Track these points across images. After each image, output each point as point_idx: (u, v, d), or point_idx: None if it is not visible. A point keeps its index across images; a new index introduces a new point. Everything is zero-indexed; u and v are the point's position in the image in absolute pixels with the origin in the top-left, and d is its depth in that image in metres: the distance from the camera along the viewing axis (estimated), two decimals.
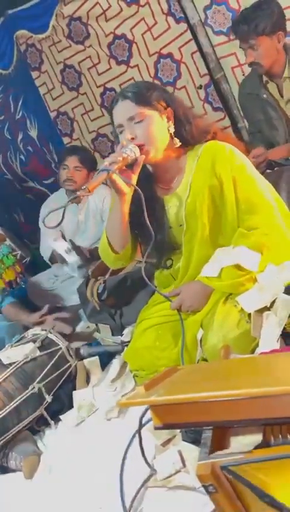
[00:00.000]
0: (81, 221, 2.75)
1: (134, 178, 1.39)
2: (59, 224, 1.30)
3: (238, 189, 1.45)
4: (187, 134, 1.47)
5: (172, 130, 1.45)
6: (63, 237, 2.75)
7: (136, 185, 1.39)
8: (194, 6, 2.60)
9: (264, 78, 2.26)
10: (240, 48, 2.21)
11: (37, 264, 3.23)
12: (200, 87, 2.80)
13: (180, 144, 1.47)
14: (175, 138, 1.46)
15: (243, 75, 2.56)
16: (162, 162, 1.48)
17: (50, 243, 2.72)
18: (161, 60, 2.87)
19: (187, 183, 1.50)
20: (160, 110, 1.43)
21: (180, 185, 1.52)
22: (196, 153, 1.49)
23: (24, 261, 3.22)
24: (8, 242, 3.20)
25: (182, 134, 1.47)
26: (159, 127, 1.43)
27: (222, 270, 1.44)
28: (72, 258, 2.56)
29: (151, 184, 1.55)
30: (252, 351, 1.36)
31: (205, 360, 1.42)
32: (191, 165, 1.49)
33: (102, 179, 1.31)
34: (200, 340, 1.43)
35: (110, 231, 1.55)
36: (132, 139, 1.40)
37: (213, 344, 1.37)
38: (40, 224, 2.81)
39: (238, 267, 1.41)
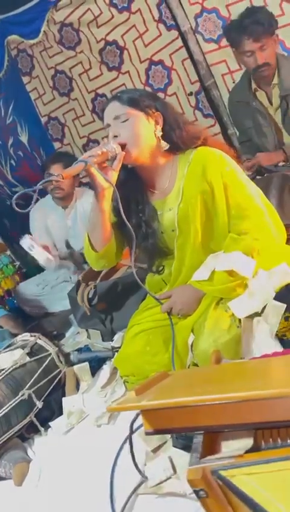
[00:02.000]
0: (69, 226, 2.74)
1: (114, 175, 1.38)
2: (28, 210, 1.29)
3: (229, 195, 1.46)
4: (177, 140, 1.47)
5: (159, 133, 1.46)
6: (54, 245, 2.73)
7: (125, 186, 1.39)
8: (185, 14, 2.62)
9: (253, 86, 2.28)
10: (247, 52, 2.14)
11: (30, 273, 3.22)
12: (191, 93, 2.82)
13: (168, 147, 1.47)
14: (163, 141, 1.46)
15: (233, 82, 2.59)
16: (150, 165, 1.49)
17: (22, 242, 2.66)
18: (152, 66, 2.88)
19: (179, 188, 1.50)
20: (147, 113, 1.44)
21: (172, 190, 1.52)
22: (187, 159, 1.50)
23: (23, 270, 3.22)
24: (8, 252, 3.20)
25: (172, 139, 1.47)
26: (143, 128, 1.43)
27: (214, 275, 1.44)
28: (41, 256, 2.50)
29: (142, 188, 1.55)
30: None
31: (195, 364, 1.42)
32: (183, 170, 1.50)
33: (78, 169, 1.30)
34: (191, 345, 1.43)
35: (90, 229, 1.53)
36: (115, 136, 1.41)
37: (204, 349, 1.37)
38: (31, 229, 2.79)
39: (230, 272, 1.42)
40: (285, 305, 1.37)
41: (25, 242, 2.40)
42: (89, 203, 2.68)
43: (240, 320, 1.39)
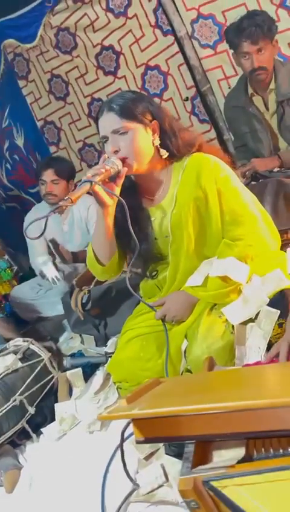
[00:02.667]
0: (65, 231, 2.73)
1: (117, 190, 1.38)
2: (41, 235, 1.29)
3: (223, 201, 1.46)
4: (173, 147, 1.47)
5: (157, 142, 1.45)
6: (49, 249, 2.73)
7: (120, 195, 1.38)
8: (181, 19, 2.63)
9: (250, 91, 2.28)
10: (246, 54, 2.13)
11: (23, 275, 3.21)
12: (187, 99, 2.82)
13: (167, 155, 1.47)
14: (162, 150, 1.46)
15: (229, 87, 2.59)
16: (146, 173, 1.48)
17: (33, 259, 2.68)
18: (148, 71, 2.89)
19: (173, 194, 1.50)
20: (145, 123, 1.42)
21: (166, 196, 1.52)
22: (181, 165, 1.49)
23: (19, 274, 3.21)
24: (6, 257, 3.19)
25: (167, 146, 1.46)
26: (143, 141, 1.42)
27: (208, 281, 1.44)
28: (50, 273, 2.54)
29: (136, 194, 1.55)
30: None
31: (189, 371, 1.41)
32: (177, 177, 1.50)
33: (85, 190, 1.30)
34: (185, 351, 1.42)
35: (95, 244, 1.54)
36: (115, 152, 1.40)
37: (197, 355, 1.36)
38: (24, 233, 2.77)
39: (223, 278, 1.41)
40: (279, 312, 1.36)
41: (50, 272, 2.49)
42: (85, 208, 2.69)
43: (233, 326, 1.39)
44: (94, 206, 2.52)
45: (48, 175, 2.60)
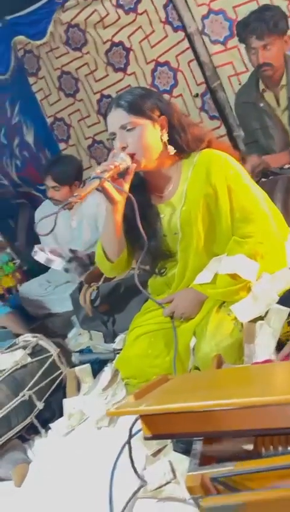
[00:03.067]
0: (74, 227, 2.72)
1: (126, 186, 1.38)
2: (51, 231, 1.29)
3: (233, 198, 1.45)
4: (182, 142, 1.46)
5: (165, 138, 1.44)
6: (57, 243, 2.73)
7: (129, 192, 1.38)
8: (192, 15, 2.62)
9: (261, 87, 2.27)
10: (252, 48, 2.13)
11: (32, 271, 3.22)
12: (197, 95, 2.81)
13: (175, 151, 1.46)
14: (170, 146, 1.45)
15: (239, 84, 2.57)
16: (155, 169, 1.48)
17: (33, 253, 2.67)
18: (158, 67, 2.88)
19: (182, 191, 1.49)
20: (153, 119, 1.41)
21: (175, 193, 1.51)
22: (191, 161, 1.49)
23: (24, 268, 3.22)
24: (8, 250, 3.20)
25: (176, 141, 1.46)
26: (151, 136, 1.41)
27: (217, 278, 1.43)
28: (56, 263, 2.52)
29: (145, 191, 1.54)
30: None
31: (197, 368, 1.41)
32: (187, 173, 1.49)
33: (94, 187, 1.30)
34: (193, 349, 1.42)
35: (104, 240, 1.54)
36: (123, 148, 1.40)
37: (206, 352, 1.36)
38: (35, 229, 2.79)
39: (233, 275, 1.41)
40: (289, 309, 1.36)
41: (40, 256, 2.41)
42: (95, 205, 2.68)
43: (242, 324, 1.38)
44: (103, 203, 2.52)
45: (48, 181, 2.56)
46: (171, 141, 1.45)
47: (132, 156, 1.39)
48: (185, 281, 1.55)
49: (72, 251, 2.53)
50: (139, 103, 1.40)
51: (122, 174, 1.37)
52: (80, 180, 2.65)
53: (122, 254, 1.54)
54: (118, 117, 1.41)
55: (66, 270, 2.55)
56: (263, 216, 1.46)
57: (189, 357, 1.45)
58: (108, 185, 1.34)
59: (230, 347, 1.35)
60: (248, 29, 2.08)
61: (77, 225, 2.72)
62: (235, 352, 1.35)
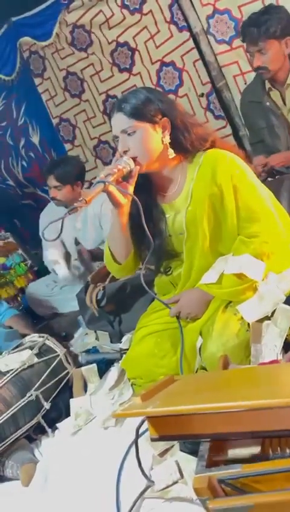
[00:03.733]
0: (79, 228, 2.74)
1: (130, 189, 1.40)
2: (58, 236, 1.31)
3: (238, 198, 1.45)
4: (186, 143, 1.46)
5: (167, 140, 1.44)
6: (64, 246, 2.74)
7: (134, 193, 1.39)
8: (197, 15, 2.61)
9: (267, 86, 2.26)
10: (247, 51, 2.18)
11: (39, 270, 3.24)
12: (202, 95, 2.81)
13: (174, 155, 1.46)
14: (170, 149, 1.45)
15: (245, 83, 2.57)
16: (158, 170, 1.49)
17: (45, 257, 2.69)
18: (163, 67, 2.88)
19: (188, 191, 1.49)
20: (154, 122, 1.42)
21: (181, 193, 1.52)
22: (197, 162, 1.49)
23: (34, 268, 3.24)
24: (20, 251, 3.23)
25: (180, 142, 1.46)
26: (152, 139, 1.42)
27: (223, 278, 1.43)
28: (62, 271, 2.55)
29: (150, 191, 1.55)
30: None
31: (203, 368, 1.41)
32: (192, 173, 1.49)
33: (99, 191, 1.32)
34: (199, 349, 1.42)
35: (111, 243, 1.56)
36: (125, 151, 1.41)
37: (212, 352, 1.36)
38: (41, 233, 2.80)
39: (239, 275, 1.40)
40: None
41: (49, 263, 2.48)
42: (98, 205, 2.69)
43: (249, 324, 1.38)
44: (107, 202, 2.52)
45: (50, 181, 2.57)
46: (175, 142, 1.46)
47: (134, 159, 1.40)
48: (191, 280, 1.55)
49: (76, 241, 2.53)
50: (140, 107, 1.41)
51: (126, 177, 1.39)
52: (82, 180, 2.66)
53: (129, 256, 1.54)
54: (119, 121, 1.42)
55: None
56: (269, 215, 1.46)
57: (195, 357, 1.45)
58: (112, 189, 1.36)
59: (237, 347, 1.35)
60: (267, 31, 2.06)
61: (82, 225, 2.73)
62: (241, 352, 1.35)
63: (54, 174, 2.55)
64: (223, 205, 1.46)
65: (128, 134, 1.41)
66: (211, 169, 1.46)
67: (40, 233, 2.58)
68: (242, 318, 1.39)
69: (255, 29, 2.06)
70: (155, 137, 1.43)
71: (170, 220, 1.54)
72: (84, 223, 2.74)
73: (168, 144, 1.45)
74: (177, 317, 1.52)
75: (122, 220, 1.45)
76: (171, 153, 1.46)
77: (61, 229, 1.29)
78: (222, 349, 1.34)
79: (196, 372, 1.45)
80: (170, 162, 1.49)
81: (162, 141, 1.44)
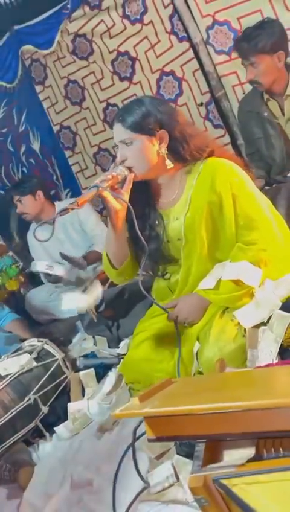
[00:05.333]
0: (63, 239, 2.79)
1: (126, 195, 1.43)
2: (50, 237, 1.35)
3: (237, 205, 1.47)
4: (185, 153, 1.49)
5: (164, 152, 1.48)
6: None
7: (130, 200, 1.43)
8: (197, 26, 2.65)
9: (265, 96, 2.29)
10: (242, 65, 2.24)
11: (33, 274, 3.24)
12: (201, 104, 2.84)
13: (172, 166, 1.49)
14: (167, 160, 1.48)
15: (244, 93, 2.60)
16: (156, 178, 1.53)
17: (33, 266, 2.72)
18: (163, 77, 2.91)
19: (187, 198, 1.52)
20: (151, 134, 1.46)
21: (179, 200, 1.54)
22: (196, 170, 1.52)
23: (26, 271, 3.24)
24: (10, 253, 3.23)
25: (179, 152, 1.49)
26: (148, 151, 1.46)
27: (220, 284, 1.45)
28: (59, 271, 2.57)
29: (149, 196, 1.58)
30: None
31: (200, 373, 1.43)
32: (191, 181, 1.52)
33: (92, 195, 1.37)
34: (196, 354, 1.44)
35: (107, 247, 1.59)
36: (123, 161, 1.46)
37: (209, 357, 1.38)
38: (32, 252, 2.92)
39: (236, 281, 1.43)
40: None
41: (40, 266, 2.52)
42: (74, 213, 2.67)
43: (245, 329, 1.40)
44: (84, 209, 2.55)
45: (14, 199, 2.77)
46: (174, 152, 1.49)
47: (130, 168, 1.45)
48: (188, 286, 1.57)
49: (62, 255, 2.56)
50: (138, 120, 1.45)
51: (121, 184, 1.44)
52: (43, 190, 2.79)
53: (126, 261, 1.57)
54: (118, 132, 1.48)
55: (61, 279, 2.61)
56: (267, 223, 1.48)
57: (192, 362, 1.46)
58: (107, 194, 1.39)
59: (233, 352, 1.36)
60: (256, 46, 2.10)
61: (65, 236, 2.77)
62: (238, 357, 1.37)
63: (15, 191, 2.77)
64: (221, 213, 1.49)
65: (126, 144, 1.46)
66: (210, 177, 1.49)
67: (32, 233, 2.65)
68: (239, 323, 1.41)
69: (246, 44, 2.11)
70: (151, 149, 1.47)
71: (169, 226, 1.56)
72: (66, 233, 2.78)
73: (165, 156, 1.48)
74: (175, 322, 1.53)
75: (118, 225, 1.47)
76: (168, 164, 1.49)
77: (53, 231, 1.33)
78: (219, 354, 1.35)
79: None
80: (167, 170, 1.51)
81: (159, 153, 1.47)
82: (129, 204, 1.42)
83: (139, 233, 1.42)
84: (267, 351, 1.37)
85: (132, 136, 1.45)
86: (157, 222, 1.57)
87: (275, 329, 1.38)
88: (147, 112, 1.47)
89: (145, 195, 1.56)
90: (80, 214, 2.70)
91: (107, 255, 1.59)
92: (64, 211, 1.33)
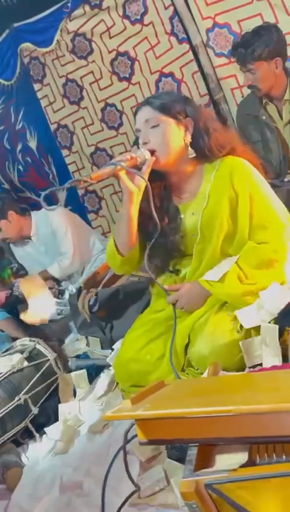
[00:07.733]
0: (44, 251, 2.80)
1: (144, 177, 1.39)
2: (58, 205, 1.31)
3: (253, 205, 1.47)
4: (204, 146, 1.48)
5: (188, 140, 1.46)
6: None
7: (151, 184, 1.39)
8: (197, 28, 2.65)
9: (264, 100, 2.29)
10: (240, 70, 2.26)
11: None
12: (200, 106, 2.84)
13: (194, 155, 1.47)
14: (190, 148, 1.46)
15: (242, 96, 2.60)
16: (175, 170, 1.50)
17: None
18: (162, 78, 2.91)
19: (204, 193, 1.50)
20: (178, 119, 1.45)
21: (196, 195, 1.53)
22: (213, 166, 1.51)
23: (20, 272, 3.23)
24: (5, 254, 3.22)
25: (199, 145, 1.48)
26: (173, 136, 1.44)
27: (225, 278, 1.44)
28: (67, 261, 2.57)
29: (167, 188, 1.55)
30: (238, 364, 1.35)
31: (190, 366, 1.43)
32: (209, 176, 1.51)
33: (107, 172, 1.33)
34: (187, 344, 1.44)
35: (117, 232, 1.53)
36: (145, 143, 1.43)
37: (200, 349, 1.38)
38: (26, 267, 2.95)
39: (241, 278, 1.42)
40: (277, 326, 1.36)
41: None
42: (48, 224, 2.73)
43: (241, 325, 1.40)
44: (56, 219, 2.62)
45: None
46: (195, 145, 1.47)
47: (152, 152, 1.41)
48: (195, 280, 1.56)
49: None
50: (167, 103, 1.45)
51: (140, 168, 1.39)
52: (13, 208, 2.76)
53: (134, 249, 1.53)
54: (144, 113, 1.46)
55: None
56: (280, 226, 1.48)
57: (184, 354, 1.47)
58: (123, 174, 1.36)
59: (225, 346, 1.36)
60: (253, 53, 2.11)
61: (45, 247, 2.77)
62: (229, 352, 1.36)
63: None
64: (237, 211, 1.48)
65: (152, 128, 1.43)
66: (228, 174, 1.48)
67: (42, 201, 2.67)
68: (235, 318, 1.41)
69: (243, 51, 2.12)
70: (177, 134, 1.45)
71: (184, 221, 1.54)
72: (45, 244, 2.80)
73: (188, 145, 1.46)
74: (174, 306, 1.52)
75: (131, 209, 1.43)
76: (191, 152, 1.46)
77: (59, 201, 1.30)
78: (211, 346, 1.36)
79: (183, 368, 1.46)
80: (187, 164, 1.49)
81: (184, 140, 1.46)
82: (148, 182, 1.38)
83: (154, 212, 1.39)
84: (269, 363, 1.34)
85: (159, 117, 1.43)
86: (174, 215, 1.54)
87: (268, 342, 1.36)
88: (176, 98, 1.49)
89: (162, 188, 1.53)
90: (53, 225, 2.70)
91: (114, 242, 1.54)
92: (77, 181, 1.27)
